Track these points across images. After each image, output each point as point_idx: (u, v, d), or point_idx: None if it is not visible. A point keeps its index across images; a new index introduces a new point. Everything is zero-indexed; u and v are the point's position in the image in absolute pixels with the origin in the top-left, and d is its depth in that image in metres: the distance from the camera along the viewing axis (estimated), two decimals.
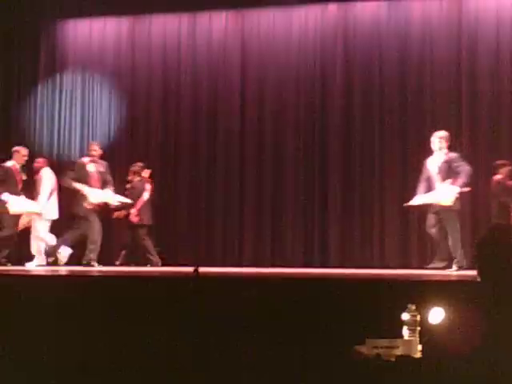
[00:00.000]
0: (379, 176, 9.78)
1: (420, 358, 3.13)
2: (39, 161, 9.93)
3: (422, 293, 4.50)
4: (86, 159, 9.54)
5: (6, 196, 9.39)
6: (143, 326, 5.29)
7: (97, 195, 9.32)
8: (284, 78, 10.27)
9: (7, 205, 9.36)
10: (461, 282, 5.59)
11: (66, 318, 5.39)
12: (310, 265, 9.51)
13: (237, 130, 10.36)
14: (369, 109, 9.95)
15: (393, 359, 3.28)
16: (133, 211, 9.66)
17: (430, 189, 8.51)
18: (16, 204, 9.43)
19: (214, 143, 10.45)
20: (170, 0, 10.58)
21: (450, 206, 8.39)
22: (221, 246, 10.22)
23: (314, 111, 10.16)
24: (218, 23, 10.62)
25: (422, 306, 3.53)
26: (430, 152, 8.62)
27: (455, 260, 8.28)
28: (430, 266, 8.49)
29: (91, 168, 9.44)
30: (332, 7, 10.26)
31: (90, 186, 9.35)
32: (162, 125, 10.69)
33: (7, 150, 9.74)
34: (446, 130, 8.83)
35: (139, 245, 9.68)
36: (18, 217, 9.53)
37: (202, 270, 5.49)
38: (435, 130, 8.84)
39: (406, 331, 3.64)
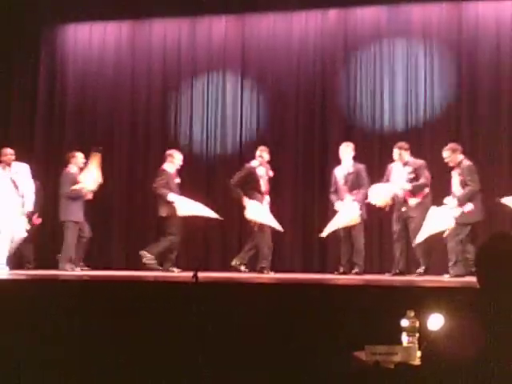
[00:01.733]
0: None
1: (419, 364, 3.12)
2: (11, 152, 8.74)
3: (421, 299, 4.49)
4: (255, 162, 9.10)
5: (172, 197, 8.95)
6: (142, 331, 5.27)
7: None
8: (284, 82, 10.27)
9: (175, 206, 8.89)
10: (460, 289, 5.59)
11: (64, 322, 5.39)
12: (308, 270, 9.50)
13: (236, 136, 10.34)
14: (369, 115, 9.95)
15: (392, 366, 3.27)
16: (36, 214, 9.41)
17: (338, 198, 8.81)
18: (184, 206, 8.93)
19: (214, 151, 10.44)
20: (169, 5, 10.57)
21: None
22: (220, 251, 10.20)
23: (314, 117, 10.17)
24: (217, 28, 10.62)
25: (421, 313, 3.52)
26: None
27: (357, 265, 8.70)
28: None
29: (261, 172, 9.04)
30: (332, 12, 10.27)
31: (259, 191, 9.01)
32: (161, 130, 10.67)
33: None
34: (446, 137, 8.83)
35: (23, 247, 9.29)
36: (181, 220, 8.97)
37: (201, 275, 5.48)
38: (435, 139, 8.83)
39: (405, 338, 3.62)
